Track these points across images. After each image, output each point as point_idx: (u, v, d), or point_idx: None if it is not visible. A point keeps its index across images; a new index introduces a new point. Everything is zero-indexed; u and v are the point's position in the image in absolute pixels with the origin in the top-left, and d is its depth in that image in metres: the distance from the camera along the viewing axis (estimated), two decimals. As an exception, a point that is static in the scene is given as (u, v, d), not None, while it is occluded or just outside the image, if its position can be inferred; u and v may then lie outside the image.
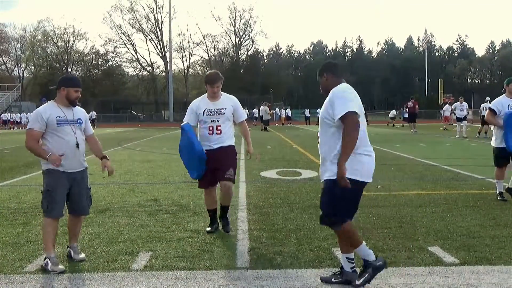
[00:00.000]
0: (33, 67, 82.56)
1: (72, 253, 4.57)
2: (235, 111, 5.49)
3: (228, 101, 5.49)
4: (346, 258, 3.86)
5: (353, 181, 3.58)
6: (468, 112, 24.28)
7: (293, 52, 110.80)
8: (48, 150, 4.32)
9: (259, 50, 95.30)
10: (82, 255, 4.59)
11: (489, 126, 22.65)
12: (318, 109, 51.57)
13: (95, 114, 52.04)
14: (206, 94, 5.50)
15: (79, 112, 4.54)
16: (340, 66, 4.04)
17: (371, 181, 3.78)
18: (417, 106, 28.74)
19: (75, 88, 4.43)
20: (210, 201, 5.58)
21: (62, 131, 4.35)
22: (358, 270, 3.84)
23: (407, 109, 28.37)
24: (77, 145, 4.40)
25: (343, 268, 3.88)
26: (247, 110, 46.85)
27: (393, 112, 41.94)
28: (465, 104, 23.97)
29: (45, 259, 4.29)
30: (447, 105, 24.03)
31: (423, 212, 6.35)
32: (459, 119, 22.98)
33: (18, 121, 50.77)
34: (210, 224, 5.58)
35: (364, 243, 3.77)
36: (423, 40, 76.15)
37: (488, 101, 23.09)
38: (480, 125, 23.05)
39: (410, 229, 5.47)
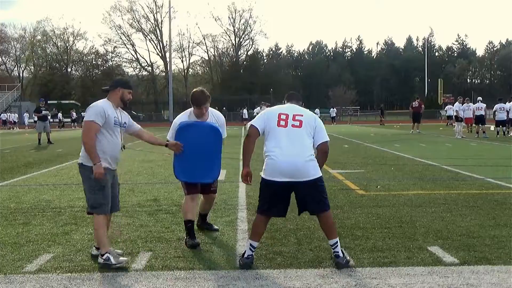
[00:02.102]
0: (32, 67, 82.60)
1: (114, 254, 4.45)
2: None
3: (215, 121, 5.21)
4: (250, 244, 4.32)
5: (261, 178, 4.34)
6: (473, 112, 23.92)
7: (293, 52, 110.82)
8: (100, 156, 4.34)
9: (258, 50, 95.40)
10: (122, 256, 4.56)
11: (484, 125, 22.62)
12: (317, 109, 51.90)
13: None
14: (192, 109, 5.14)
15: (125, 115, 4.69)
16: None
17: (277, 180, 4.23)
18: (423, 106, 28.69)
19: (129, 90, 4.60)
20: (194, 209, 5.15)
21: (115, 131, 4.48)
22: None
23: (412, 109, 28.29)
24: (123, 147, 4.61)
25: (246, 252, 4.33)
26: (246, 111, 46.90)
27: (449, 108, 37.67)
28: (471, 104, 23.83)
29: (103, 255, 4.28)
30: (458, 103, 23.31)
31: (423, 212, 6.35)
32: (461, 120, 22.83)
33: (16, 121, 50.55)
34: (192, 237, 4.97)
35: (250, 242, 4.30)
36: (428, 35, 76.60)
37: (480, 101, 23.03)
38: (475, 125, 22.96)
39: (410, 229, 5.47)
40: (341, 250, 4.29)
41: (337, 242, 4.27)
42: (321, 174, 4.34)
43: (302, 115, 4.40)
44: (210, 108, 5.22)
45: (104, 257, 4.28)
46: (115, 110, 4.50)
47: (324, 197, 4.34)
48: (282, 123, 4.35)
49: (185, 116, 5.20)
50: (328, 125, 45.14)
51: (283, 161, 4.23)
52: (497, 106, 22.47)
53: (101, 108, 4.38)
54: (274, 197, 4.33)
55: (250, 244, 4.32)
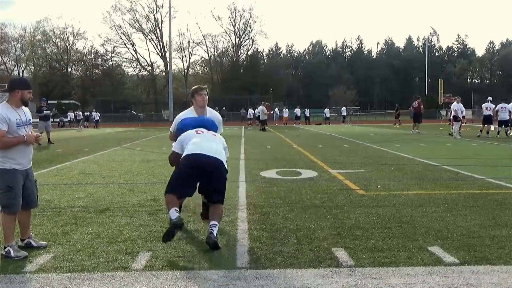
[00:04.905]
0: (32, 67, 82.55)
1: (33, 243, 4.89)
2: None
3: (212, 117, 5.85)
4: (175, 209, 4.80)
5: None
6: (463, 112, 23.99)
7: (293, 52, 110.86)
8: (8, 159, 4.61)
9: (259, 50, 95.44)
10: (44, 242, 4.97)
11: (490, 126, 22.70)
12: (327, 109, 52.02)
13: (99, 115, 51.59)
14: (192, 107, 5.81)
15: (28, 112, 4.86)
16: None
17: None
18: (422, 106, 28.68)
19: (28, 90, 4.74)
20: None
21: (20, 132, 4.67)
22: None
23: (412, 109, 28.30)
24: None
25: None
26: (251, 110, 47.03)
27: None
28: (461, 105, 23.81)
29: (5, 248, 4.61)
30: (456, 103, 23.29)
31: (423, 212, 6.35)
32: (459, 120, 22.84)
33: None
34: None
35: (173, 208, 4.82)
36: (430, 34, 76.72)
37: (490, 101, 23.05)
38: (481, 125, 23.02)
39: (410, 229, 5.47)
40: (216, 233, 4.74)
41: (217, 224, 4.81)
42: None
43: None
44: (208, 108, 5.87)
45: (5, 250, 4.61)
46: (16, 112, 4.65)
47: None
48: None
49: (188, 113, 5.84)
50: (338, 124, 45.25)
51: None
52: (499, 106, 22.50)
53: (1, 115, 4.53)
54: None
55: (175, 209, 4.78)
